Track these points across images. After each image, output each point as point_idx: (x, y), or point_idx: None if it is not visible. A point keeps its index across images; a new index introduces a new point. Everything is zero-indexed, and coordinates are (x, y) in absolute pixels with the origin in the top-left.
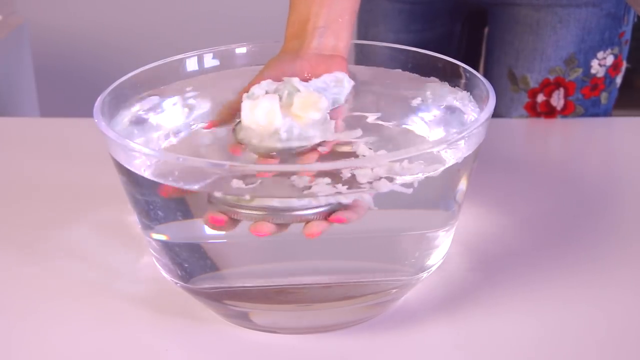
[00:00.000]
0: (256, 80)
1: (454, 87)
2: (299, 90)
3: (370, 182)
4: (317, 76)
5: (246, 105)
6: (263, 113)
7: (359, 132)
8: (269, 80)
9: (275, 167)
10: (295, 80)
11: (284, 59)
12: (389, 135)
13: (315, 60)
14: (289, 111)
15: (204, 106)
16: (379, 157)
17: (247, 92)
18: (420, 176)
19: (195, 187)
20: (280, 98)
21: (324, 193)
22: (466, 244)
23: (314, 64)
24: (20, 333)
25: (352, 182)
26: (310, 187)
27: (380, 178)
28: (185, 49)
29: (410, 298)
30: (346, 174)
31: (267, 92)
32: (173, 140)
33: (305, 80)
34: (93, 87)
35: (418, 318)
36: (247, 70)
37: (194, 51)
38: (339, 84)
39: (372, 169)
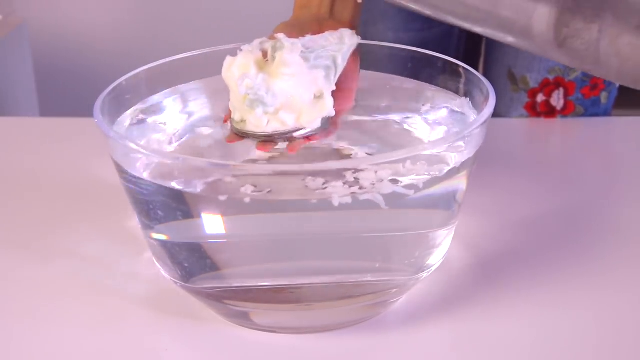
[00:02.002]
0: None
1: (454, 88)
2: (284, 46)
3: (373, 184)
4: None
5: (226, 62)
6: (238, 68)
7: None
8: (264, 39)
9: (276, 167)
10: (281, 36)
11: (294, 22)
12: (389, 138)
13: (326, 25)
14: (270, 69)
15: (204, 106)
16: (380, 157)
17: None
18: (424, 177)
19: (198, 188)
20: (266, 56)
21: (339, 194)
22: (466, 244)
23: (324, 28)
24: (20, 333)
25: (355, 185)
26: (325, 188)
27: (383, 180)
28: (186, 48)
29: (410, 298)
30: (350, 178)
31: (261, 50)
32: (174, 141)
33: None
34: (93, 87)
35: (418, 318)
36: None
37: (195, 51)
38: (340, 41)
39: (375, 172)
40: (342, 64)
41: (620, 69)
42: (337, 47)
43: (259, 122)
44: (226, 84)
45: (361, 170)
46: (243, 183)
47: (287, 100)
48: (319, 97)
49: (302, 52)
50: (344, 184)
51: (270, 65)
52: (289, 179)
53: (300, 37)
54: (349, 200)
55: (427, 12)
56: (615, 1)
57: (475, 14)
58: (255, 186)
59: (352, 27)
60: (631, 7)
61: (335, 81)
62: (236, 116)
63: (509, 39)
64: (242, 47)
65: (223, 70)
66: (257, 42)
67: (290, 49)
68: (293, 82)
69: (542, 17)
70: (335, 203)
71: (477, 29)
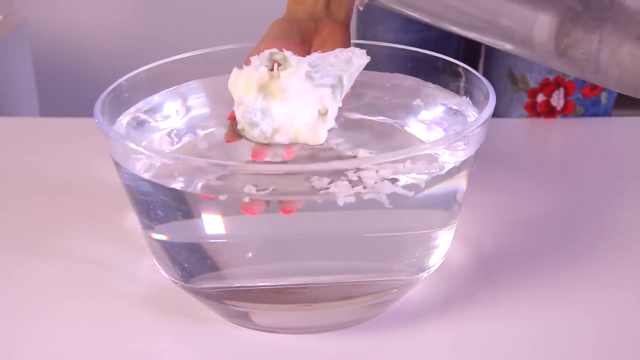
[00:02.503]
0: (260, 44)
1: (454, 88)
2: (290, 66)
3: (377, 182)
4: (320, 37)
5: (233, 75)
6: (241, 83)
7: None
8: (274, 50)
9: (276, 167)
10: (289, 54)
11: (290, 19)
12: (389, 137)
13: (321, 24)
14: (273, 85)
15: (204, 106)
16: (380, 157)
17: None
18: (425, 176)
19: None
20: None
21: (345, 193)
22: (466, 244)
23: (319, 27)
24: (19, 333)
25: (357, 184)
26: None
27: (384, 180)
28: (186, 48)
29: (410, 298)
30: (352, 177)
31: (271, 61)
32: (174, 141)
33: (309, 43)
34: (93, 87)
35: (418, 318)
36: None
37: (195, 51)
38: (349, 60)
39: (377, 171)
40: (347, 84)
41: (620, 78)
42: (345, 66)
43: (258, 139)
44: (231, 93)
45: (363, 169)
46: (244, 183)
47: (285, 122)
48: (323, 113)
49: (307, 71)
50: (349, 182)
51: (275, 81)
52: (292, 179)
53: (309, 55)
54: (352, 199)
55: (429, 20)
56: (615, 11)
57: (477, 23)
58: (257, 186)
59: (346, 26)
60: (631, 17)
61: (341, 99)
62: (239, 125)
63: (509, 47)
64: (251, 59)
65: (229, 82)
66: (267, 52)
67: (293, 70)
68: (293, 104)
69: (543, 27)
70: (340, 203)
71: (478, 37)
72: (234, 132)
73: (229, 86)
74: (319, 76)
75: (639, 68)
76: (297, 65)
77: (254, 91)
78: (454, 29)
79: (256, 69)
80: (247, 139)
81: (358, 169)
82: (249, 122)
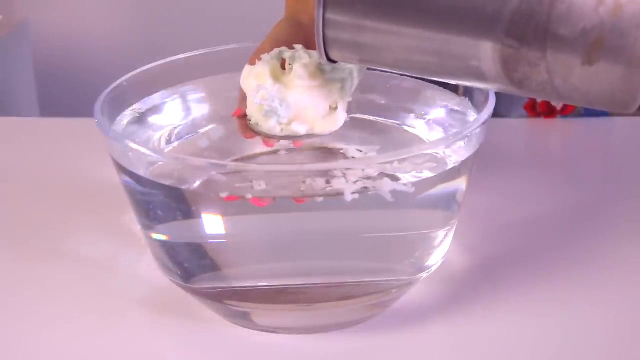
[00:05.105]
0: (264, 44)
1: (453, 89)
2: (301, 58)
3: (367, 179)
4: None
5: (245, 71)
6: (255, 77)
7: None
8: (283, 48)
9: (271, 167)
10: (299, 47)
11: (294, 25)
12: (388, 137)
13: None
14: (286, 79)
15: (204, 106)
16: (378, 157)
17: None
18: (424, 177)
19: (195, 185)
20: (284, 65)
21: (351, 189)
22: (466, 244)
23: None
24: (19, 333)
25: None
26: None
27: (383, 177)
28: (186, 48)
29: (410, 298)
30: (338, 174)
31: (280, 59)
32: (173, 141)
33: (313, 47)
34: (93, 87)
35: (418, 318)
36: None
37: (195, 51)
38: None
39: (362, 170)
40: (358, 76)
41: (586, 99)
42: None
43: (272, 130)
44: (244, 91)
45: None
46: (247, 179)
47: (301, 111)
48: (334, 108)
49: (319, 63)
50: (347, 181)
51: (287, 75)
52: (288, 178)
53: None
54: (356, 196)
55: (387, 69)
56: (552, 42)
57: (432, 68)
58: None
59: None
60: (569, 45)
61: (352, 92)
62: (252, 120)
63: (481, 86)
64: (262, 56)
65: (241, 78)
66: (276, 50)
67: (306, 61)
68: (307, 94)
69: (491, 66)
70: (348, 198)
71: (446, 80)
72: (249, 128)
73: (241, 83)
74: (330, 68)
75: (598, 89)
76: (309, 57)
77: (270, 79)
78: (417, 74)
79: (268, 64)
80: (260, 134)
81: (350, 169)
82: (267, 110)
